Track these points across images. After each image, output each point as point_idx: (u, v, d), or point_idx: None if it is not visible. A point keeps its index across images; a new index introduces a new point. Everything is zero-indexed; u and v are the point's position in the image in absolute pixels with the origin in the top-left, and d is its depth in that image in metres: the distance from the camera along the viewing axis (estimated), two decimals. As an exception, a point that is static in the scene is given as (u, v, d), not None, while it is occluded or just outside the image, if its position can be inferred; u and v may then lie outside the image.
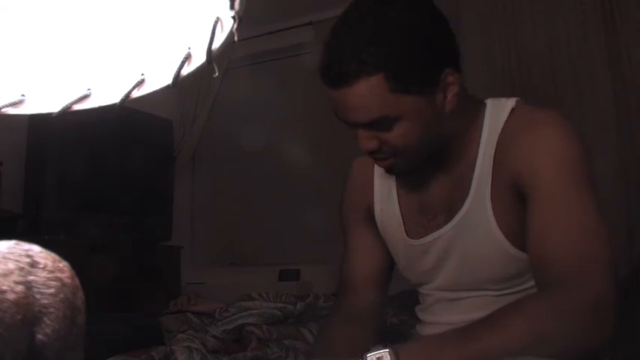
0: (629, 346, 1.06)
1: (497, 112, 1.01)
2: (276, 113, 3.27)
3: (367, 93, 0.89)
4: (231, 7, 0.51)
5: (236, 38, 0.52)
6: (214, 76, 0.52)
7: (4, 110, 0.54)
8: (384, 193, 1.14)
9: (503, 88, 2.46)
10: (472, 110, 1.02)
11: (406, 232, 1.10)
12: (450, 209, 1.03)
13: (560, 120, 0.96)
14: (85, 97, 0.53)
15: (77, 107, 0.54)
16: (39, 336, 0.75)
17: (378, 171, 1.14)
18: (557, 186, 0.91)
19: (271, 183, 3.32)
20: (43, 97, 0.54)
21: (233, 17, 0.52)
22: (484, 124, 1.01)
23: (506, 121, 0.99)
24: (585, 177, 0.92)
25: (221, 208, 3.55)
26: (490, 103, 1.03)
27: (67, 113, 0.55)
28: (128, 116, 2.78)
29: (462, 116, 1.00)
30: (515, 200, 0.95)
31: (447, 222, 1.03)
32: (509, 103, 1.02)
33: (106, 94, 0.54)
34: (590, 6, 2.33)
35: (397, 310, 1.46)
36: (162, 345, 1.27)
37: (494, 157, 0.98)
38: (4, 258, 0.76)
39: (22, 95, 0.54)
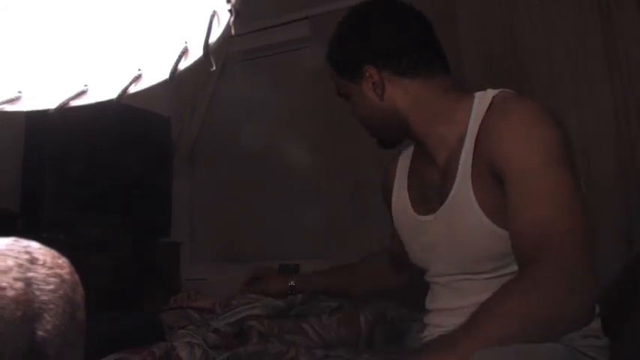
0: (629, 346, 1.06)
1: (482, 103, 1.10)
2: (274, 109, 3.26)
3: (329, 73, 1.26)
4: (228, 0, 0.51)
5: (233, 32, 0.52)
6: (211, 70, 0.51)
7: (0, 107, 0.54)
8: (401, 181, 1.29)
9: (501, 87, 2.44)
10: (460, 103, 1.13)
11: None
12: (443, 195, 1.11)
13: (531, 106, 1.03)
14: (82, 93, 0.53)
15: (74, 103, 0.54)
16: (39, 333, 0.75)
17: (399, 163, 1.33)
18: (528, 165, 0.96)
19: (270, 179, 3.31)
20: (40, 93, 0.54)
21: (230, 11, 0.52)
22: (471, 115, 1.09)
23: (486, 111, 1.07)
24: (559, 156, 0.96)
25: (220, 204, 3.55)
26: (477, 96, 1.12)
27: (64, 110, 0.54)
28: (125, 113, 2.77)
29: (427, 106, 1.15)
30: (494, 183, 1.01)
31: (439, 207, 1.12)
32: (492, 93, 1.10)
33: (103, 90, 0.54)
34: (587, 5, 2.32)
35: (397, 305, 1.48)
36: (164, 341, 1.27)
37: (475, 144, 1.06)
38: (3, 255, 0.76)
39: (19, 92, 0.54)
